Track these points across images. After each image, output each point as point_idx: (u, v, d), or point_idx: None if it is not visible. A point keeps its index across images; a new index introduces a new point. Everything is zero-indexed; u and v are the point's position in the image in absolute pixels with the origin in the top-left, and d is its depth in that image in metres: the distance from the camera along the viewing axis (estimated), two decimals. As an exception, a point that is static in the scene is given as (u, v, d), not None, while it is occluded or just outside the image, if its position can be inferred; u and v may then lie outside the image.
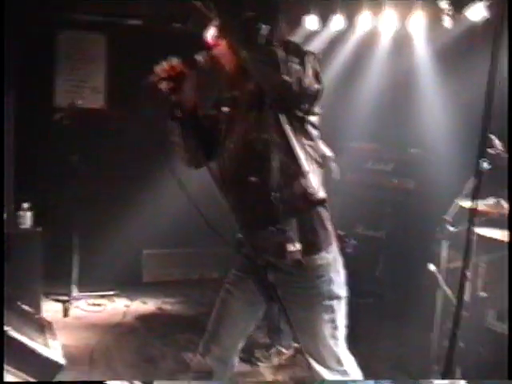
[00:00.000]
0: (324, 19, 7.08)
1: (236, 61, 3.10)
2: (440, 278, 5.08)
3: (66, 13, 7.51)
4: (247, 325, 3.45)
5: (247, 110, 3.13)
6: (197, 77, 3.19)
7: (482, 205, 4.74)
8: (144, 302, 7.17)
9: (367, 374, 3.45)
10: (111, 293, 7.23)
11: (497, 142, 4.66)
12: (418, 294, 6.08)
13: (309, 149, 3.12)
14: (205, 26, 3.16)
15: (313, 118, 3.13)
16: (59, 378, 4.56)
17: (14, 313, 5.06)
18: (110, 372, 5.16)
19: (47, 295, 6.78)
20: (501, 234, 4.82)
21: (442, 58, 6.69)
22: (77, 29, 7.83)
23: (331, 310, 3.17)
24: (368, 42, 7.20)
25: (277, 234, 3.07)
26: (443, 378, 2.71)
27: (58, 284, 6.90)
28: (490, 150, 4.59)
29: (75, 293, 6.89)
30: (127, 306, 6.99)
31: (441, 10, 5.83)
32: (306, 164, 3.09)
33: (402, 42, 6.97)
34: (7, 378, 4.19)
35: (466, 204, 4.85)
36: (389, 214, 7.12)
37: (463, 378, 4.68)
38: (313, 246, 3.10)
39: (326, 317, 3.16)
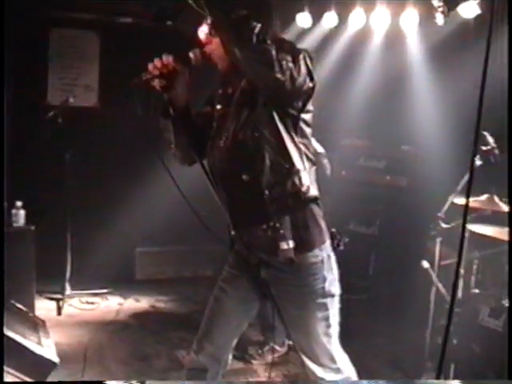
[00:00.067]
0: (316, 17, 7.07)
1: (228, 58, 3.10)
2: (433, 274, 5.09)
3: (59, 11, 7.50)
4: (241, 322, 3.45)
5: (240, 108, 3.12)
6: (189, 74, 3.19)
7: (475, 201, 4.76)
8: (137, 300, 7.17)
9: (360, 372, 3.45)
10: (104, 291, 7.22)
11: (489, 139, 4.68)
12: (411, 290, 6.09)
13: (301, 146, 3.12)
14: (197, 24, 3.17)
15: (306, 116, 3.13)
16: (53, 376, 4.55)
17: (8, 311, 5.05)
18: (103, 370, 5.16)
19: (40, 293, 6.77)
20: (493, 231, 4.83)
21: (435, 55, 6.70)
22: (70, 27, 7.84)
23: (324, 307, 3.17)
24: (360, 39, 7.20)
25: (269, 232, 3.07)
26: (437, 374, 2.71)
27: (51, 282, 6.89)
28: (482, 147, 4.64)
29: (68, 291, 6.88)
30: (120, 304, 6.99)
31: (433, 7, 5.82)
32: (299, 162, 3.09)
33: (394, 39, 6.97)
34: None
35: (459, 201, 4.87)
36: (381, 211, 7.14)
37: (456, 374, 4.70)
38: (306, 243, 3.10)
39: (320, 314, 3.17)
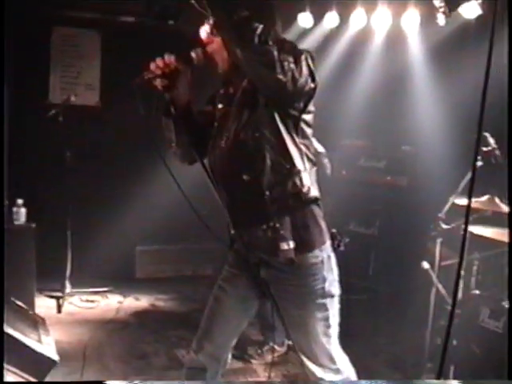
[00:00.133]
0: (318, 17, 7.08)
1: (230, 58, 3.10)
2: (434, 275, 5.09)
3: (60, 10, 7.51)
4: (240, 322, 3.45)
5: (241, 108, 3.12)
6: (191, 74, 3.19)
7: (476, 202, 4.75)
8: (137, 299, 7.18)
9: (360, 372, 3.45)
10: (104, 289, 7.23)
11: (490, 140, 4.68)
12: (411, 291, 6.10)
13: (302, 147, 3.12)
14: (199, 24, 3.17)
15: (307, 117, 3.13)
16: (52, 373, 4.55)
17: (8, 308, 5.06)
18: (102, 368, 5.16)
19: (41, 291, 6.78)
20: (493, 232, 4.83)
21: (436, 55, 6.70)
22: (71, 26, 7.84)
23: (324, 308, 3.17)
24: (362, 40, 7.21)
25: (270, 232, 3.07)
26: (437, 375, 2.71)
27: (51, 280, 6.90)
28: (483, 148, 4.64)
29: (69, 289, 6.89)
30: (120, 303, 7.00)
31: (434, 8, 5.83)
32: (300, 162, 3.09)
33: (395, 40, 6.98)
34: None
35: (460, 201, 4.87)
36: (381, 211, 7.13)
37: (456, 375, 4.70)
38: (306, 244, 3.10)
39: (319, 315, 3.17)
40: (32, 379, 4.42)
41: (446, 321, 4.85)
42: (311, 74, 2.97)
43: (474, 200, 4.65)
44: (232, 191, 3.19)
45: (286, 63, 2.83)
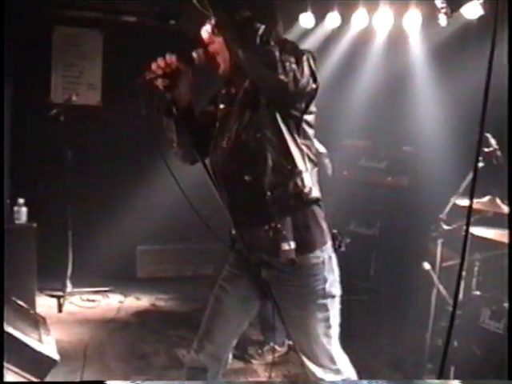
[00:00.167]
0: (319, 17, 7.08)
1: (231, 59, 3.10)
2: (435, 276, 5.09)
3: (62, 9, 7.51)
4: (241, 322, 3.45)
5: (243, 108, 3.12)
6: (192, 74, 3.19)
7: (477, 203, 4.75)
8: (138, 298, 7.18)
9: (360, 372, 3.45)
10: (105, 289, 7.22)
11: (492, 141, 4.68)
12: (412, 291, 6.09)
13: (304, 148, 3.12)
14: (200, 24, 3.17)
15: (308, 117, 3.12)
16: (53, 373, 4.56)
17: (9, 308, 5.06)
18: (103, 367, 5.16)
19: (42, 290, 6.79)
20: (495, 234, 4.83)
21: (437, 56, 6.70)
22: (73, 25, 7.84)
23: (325, 308, 3.17)
24: (363, 40, 7.20)
25: (271, 233, 3.07)
26: (438, 375, 2.71)
27: (52, 279, 6.91)
28: (485, 149, 4.64)
29: (69, 288, 6.89)
30: (121, 302, 7.00)
31: (436, 8, 5.82)
32: (301, 163, 3.09)
33: (397, 40, 6.97)
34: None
35: (461, 202, 4.87)
36: (382, 212, 7.13)
37: (456, 376, 4.70)
38: (307, 244, 3.10)
39: (320, 315, 3.17)
40: (33, 379, 4.43)
41: (447, 322, 4.86)
42: (313, 75, 2.97)
43: (475, 201, 4.65)
44: (233, 191, 3.18)
45: (287, 64, 2.83)
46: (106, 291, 7.20)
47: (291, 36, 6.34)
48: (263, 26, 2.85)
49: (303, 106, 3.05)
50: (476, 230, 4.82)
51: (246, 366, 5.36)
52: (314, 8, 7.03)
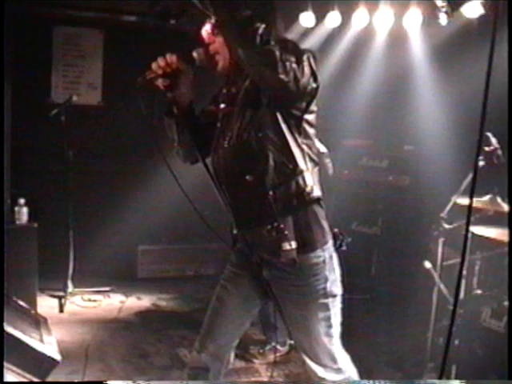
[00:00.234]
0: (320, 16, 7.07)
1: (232, 58, 3.10)
2: (436, 275, 5.08)
3: (62, 9, 7.51)
4: (243, 321, 3.45)
5: (244, 108, 3.12)
6: (193, 74, 3.19)
7: (478, 202, 4.75)
8: (139, 298, 7.17)
9: (361, 371, 3.46)
10: (106, 289, 7.22)
11: (493, 140, 4.67)
12: (413, 290, 6.10)
13: (304, 147, 3.12)
14: (201, 23, 3.17)
15: (309, 117, 3.12)
16: (54, 373, 4.56)
17: (10, 308, 5.06)
18: (104, 367, 5.17)
19: (43, 291, 6.79)
20: (496, 233, 4.82)
21: (438, 55, 6.70)
22: (73, 25, 7.84)
23: (326, 308, 3.17)
24: (364, 39, 7.20)
25: (274, 233, 3.07)
26: (439, 374, 2.71)
27: (53, 280, 6.91)
28: (485, 148, 4.64)
29: (71, 288, 6.89)
30: (122, 302, 7.00)
31: (436, 7, 5.82)
32: (302, 162, 3.09)
33: (397, 39, 6.97)
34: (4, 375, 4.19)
35: (462, 201, 4.87)
36: (383, 211, 7.13)
37: (458, 375, 4.70)
38: (308, 244, 3.10)
39: (321, 315, 3.17)
40: (34, 379, 4.42)
41: (448, 320, 4.85)
42: (313, 74, 2.97)
43: (476, 200, 4.65)
44: (235, 191, 3.19)
45: (287, 63, 2.82)
46: (107, 291, 7.20)
47: (292, 35, 6.33)
48: (263, 26, 2.84)
49: (304, 105, 3.05)
50: (477, 229, 4.82)
51: (247, 366, 5.36)
52: (314, 7, 7.03)
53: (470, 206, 2.46)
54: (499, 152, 4.67)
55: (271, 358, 5.36)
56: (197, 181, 3.57)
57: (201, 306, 6.45)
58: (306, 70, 2.92)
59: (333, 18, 6.99)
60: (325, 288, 3.14)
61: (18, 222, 6.08)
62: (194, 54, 3.13)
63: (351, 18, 6.92)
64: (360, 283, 6.71)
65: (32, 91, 7.45)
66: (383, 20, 6.72)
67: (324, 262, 3.12)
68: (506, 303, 4.66)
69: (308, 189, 3.09)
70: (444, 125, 6.31)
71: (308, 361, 3.26)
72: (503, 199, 4.80)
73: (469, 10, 5.85)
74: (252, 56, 2.89)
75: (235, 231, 3.30)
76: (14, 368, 4.38)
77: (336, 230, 3.28)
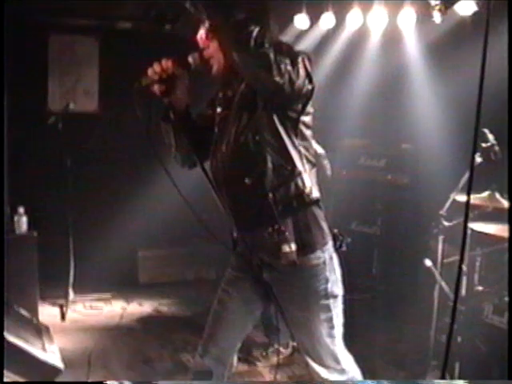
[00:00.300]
0: (314, 18, 7.07)
1: (227, 62, 3.11)
2: (437, 273, 5.09)
3: (58, 17, 7.51)
4: (245, 324, 3.45)
5: (240, 111, 3.13)
6: (189, 78, 3.20)
7: (476, 198, 4.75)
8: (140, 304, 7.17)
9: (365, 371, 3.45)
10: (108, 295, 7.23)
11: (489, 136, 4.68)
12: (415, 289, 6.10)
13: (301, 149, 3.12)
14: (195, 28, 3.17)
15: (305, 118, 3.13)
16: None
17: (11, 317, 5.06)
18: (107, 374, 5.16)
19: (44, 299, 6.78)
20: (495, 229, 4.83)
21: (433, 53, 6.69)
22: (68, 33, 7.84)
23: (327, 309, 3.17)
24: (358, 39, 7.19)
25: (275, 235, 3.06)
26: (442, 373, 2.71)
27: (54, 288, 6.89)
28: (483, 144, 4.64)
29: (72, 296, 6.88)
30: (124, 308, 6.99)
31: (430, 5, 5.82)
32: (300, 164, 3.10)
33: (392, 38, 6.97)
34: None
35: (461, 198, 4.87)
36: (382, 210, 7.11)
37: (461, 372, 4.70)
38: (308, 245, 3.10)
39: (323, 316, 3.17)
40: (37, 388, 4.43)
41: (450, 318, 4.85)
42: (308, 76, 2.98)
43: (474, 196, 4.66)
44: (234, 195, 3.19)
45: (282, 65, 2.83)
46: (108, 298, 7.20)
47: (286, 37, 6.33)
48: (257, 29, 2.85)
49: (300, 107, 3.06)
50: (476, 226, 4.82)
51: (250, 369, 5.36)
52: (308, 9, 7.02)
53: (467, 203, 2.47)
54: (496, 148, 4.68)
55: (274, 360, 5.36)
56: (195, 185, 3.57)
57: (202, 310, 6.43)
58: (301, 71, 2.93)
59: (327, 20, 6.98)
60: (326, 289, 3.14)
61: (17, 232, 6.08)
62: (190, 59, 3.14)
63: (345, 19, 6.92)
64: (361, 283, 6.70)
65: (29, 100, 7.44)
66: (377, 20, 6.71)
67: (324, 263, 3.13)
68: (506, 298, 4.66)
69: (307, 190, 3.09)
70: (441, 122, 6.31)
71: (311, 362, 3.26)
72: (502, 195, 4.81)
73: (462, 7, 5.84)
74: (247, 59, 2.89)
75: (235, 234, 3.30)
76: (17, 377, 4.39)
77: (336, 230, 3.28)
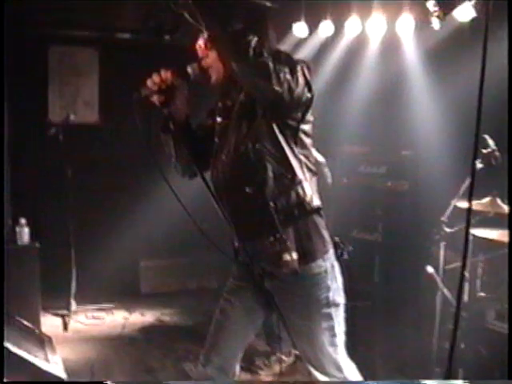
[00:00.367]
0: (313, 26, 7.08)
1: (226, 71, 3.11)
2: (438, 279, 5.08)
3: (57, 29, 7.52)
4: (247, 333, 3.45)
5: (240, 120, 3.13)
6: (188, 88, 3.20)
7: (478, 204, 4.75)
8: (142, 314, 7.16)
9: (368, 379, 3.45)
10: (110, 305, 7.22)
11: (490, 142, 4.68)
12: (417, 295, 6.09)
13: (302, 157, 3.13)
14: (194, 38, 3.18)
15: (305, 127, 3.13)
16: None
17: (14, 328, 5.06)
18: (111, 385, 5.17)
19: (46, 309, 6.78)
20: (497, 234, 4.82)
21: (432, 59, 6.70)
22: (68, 44, 7.86)
23: (329, 317, 3.17)
24: (357, 47, 7.20)
25: (276, 244, 3.06)
26: (445, 378, 2.71)
27: (56, 298, 6.89)
28: (483, 150, 4.64)
29: (74, 307, 6.87)
30: (126, 318, 6.99)
31: (429, 12, 5.82)
32: (300, 172, 3.10)
33: (391, 45, 6.97)
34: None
35: (462, 204, 4.87)
36: (383, 217, 7.11)
37: (465, 378, 4.69)
38: (309, 254, 3.10)
39: (325, 324, 3.17)
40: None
41: (453, 324, 4.85)
42: (307, 84, 2.98)
43: (475, 202, 4.66)
44: (236, 204, 3.19)
45: (281, 74, 2.84)
46: (110, 308, 7.20)
47: (285, 46, 6.35)
48: (256, 38, 2.85)
49: (299, 115, 3.06)
50: (478, 231, 4.82)
51: (253, 378, 5.35)
52: (307, 17, 7.03)
53: (469, 209, 2.47)
54: (497, 153, 4.68)
55: (277, 368, 5.35)
56: (196, 194, 3.57)
57: (204, 320, 6.42)
58: (300, 80, 2.93)
59: (326, 27, 7.00)
60: (327, 297, 3.14)
61: (19, 242, 6.09)
62: (189, 69, 3.14)
63: (344, 27, 6.93)
64: (363, 290, 6.68)
65: (30, 111, 7.45)
66: (376, 27, 6.72)
67: (326, 271, 3.12)
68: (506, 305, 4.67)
69: (308, 198, 3.10)
70: (441, 128, 6.31)
71: (313, 371, 3.26)
72: (503, 200, 4.81)
73: (461, 13, 5.85)
74: (246, 69, 2.90)
75: (236, 243, 3.30)
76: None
77: (337, 238, 3.28)
